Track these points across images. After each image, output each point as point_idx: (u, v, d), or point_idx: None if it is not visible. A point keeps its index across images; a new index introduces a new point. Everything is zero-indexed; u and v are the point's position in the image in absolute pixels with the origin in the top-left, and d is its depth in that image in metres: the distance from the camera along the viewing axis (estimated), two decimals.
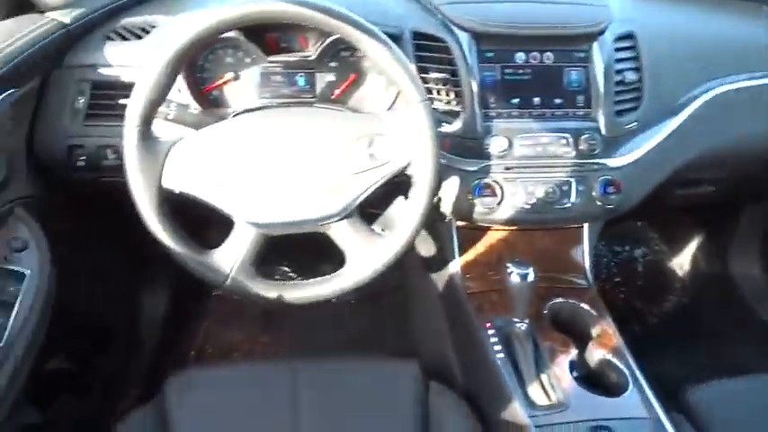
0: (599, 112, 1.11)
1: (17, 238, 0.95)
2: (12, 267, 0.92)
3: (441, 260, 1.27)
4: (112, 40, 1.08)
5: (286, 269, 1.86)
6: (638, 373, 1.00)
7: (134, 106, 0.81)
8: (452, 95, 1.09)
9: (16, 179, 0.99)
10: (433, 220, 1.15)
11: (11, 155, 0.97)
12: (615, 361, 1.02)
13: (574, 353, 1.04)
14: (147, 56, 1.01)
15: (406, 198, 1.21)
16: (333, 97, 1.13)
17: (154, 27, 1.10)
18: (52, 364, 1.25)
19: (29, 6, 1.07)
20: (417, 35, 1.10)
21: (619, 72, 1.13)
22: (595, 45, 1.12)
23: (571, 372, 1.00)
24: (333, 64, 1.11)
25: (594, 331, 1.10)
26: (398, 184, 1.14)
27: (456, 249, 1.21)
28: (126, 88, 1.04)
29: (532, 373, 0.99)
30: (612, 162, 1.11)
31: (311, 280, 0.93)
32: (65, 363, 1.29)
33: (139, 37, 1.08)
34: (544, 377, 0.99)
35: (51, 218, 1.02)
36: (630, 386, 0.98)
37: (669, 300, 1.88)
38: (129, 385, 1.49)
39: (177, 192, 0.86)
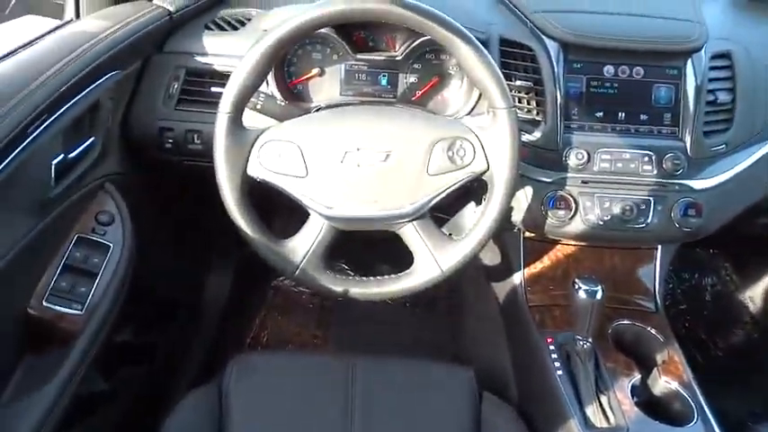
0: (686, 132, 1.08)
1: (105, 211, 1.00)
2: (98, 239, 0.97)
3: (504, 270, 1.26)
4: (211, 29, 1.13)
5: (344, 266, 1.88)
6: (704, 405, 0.96)
7: (228, 93, 0.84)
8: (534, 104, 1.09)
9: (109, 156, 1.04)
10: (501, 229, 1.14)
11: (107, 133, 1.02)
12: (681, 390, 0.98)
13: (636, 377, 1.01)
14: (242, 47, 1.05)
15: (478, 204, 1.21)
16: (413, 99, 1.14)
17: (249, 19, 1.14)
18: (118, 335, 1.30)
19: None
20: (504, 41, 1.10)
21: (711, 92, 1.10)
22: (689, 62, 1.09)
23: (632, 396, 0.97)
24: (416, 66, 1.12)
25: (660, 357, 1.06)
26: (469, 190, 1.14)
27: (522, 260, 1.20)
28: (218, 77, 1.09)
29: (592, 393, 0.96)
30: (696, 184, 1.08)
31: (378, 278, 0.94)
32: (129, 335, 1.34)
33: (236, 28, 1.13)
34: (604, 399, 0.96)
35: (134, 195, 1.07)
36: (696, 418, 0.94)
37: (736, 333, 1.80)
38: (187, 364, 1.54)
39: (259, 180, 0.88)
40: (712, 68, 1.11)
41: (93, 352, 0.92)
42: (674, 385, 0.99)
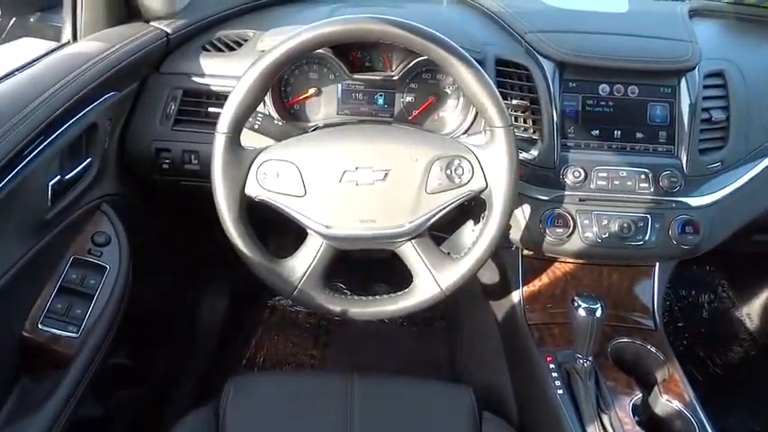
0: (682, 150, 1.09)
1: (101, 232, 1.00)
2: (94, 260, 0.97)
3: (502, 288, 1.25)
4: (208, 50, 1.14)
5: (342, 285, 1.88)
6: (706, 423, 0.96)
7: (226, 114, 0.84)
8: (531, 123, 1.10)
9: (106, 177, 1.04)
10: (499, 248, 1.14)
11: (104, 154, 1.02)
12: (682, 408, 0.98)
13: (637, 395, 1.00)
14: (239, 67, 1.05)
15: (476, 223, 1.21)
16: (410, 118, 1.14)
17: (246, 40, 1.15)
18: (113, 357, 1.29)
19: (136, 15, 1.14)
20: (500, 61, 1.11)
21: (705, 110, 1.11)
22: (683, 81, 1.10)
23: (634, 415, 0.96)
24: (413, 85, 1.13)
25: (660, 375, 1.06)
26: (467, 209, 1.14)
27: (520, 279, 1.20)
28: (215, 97, 1.10)
29: (593, 412, 0.95)
30: (693, 201, 1.08)
31: (377, 297, 0.94)
32: (125, 357, 1.33)
33: (232, 49, 1.14)
34: (605, 418, 0.96)
35: (131, 216, 1.07)
36: None
37: (735, 350, 1.80)
38: (184, 385, 1.52)
39: (257, 199, 0.88)
40: (706, 87, 1.12)
41: (89, 375, 0.91)
42: (675, 404, 0.98)
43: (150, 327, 1.42)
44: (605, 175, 1.07)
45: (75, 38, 1.07)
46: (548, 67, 1.09)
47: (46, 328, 0.88)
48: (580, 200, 1.07)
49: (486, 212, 0.91)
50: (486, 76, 0.86)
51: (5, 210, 0.77)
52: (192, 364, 1.58)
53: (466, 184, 0.89)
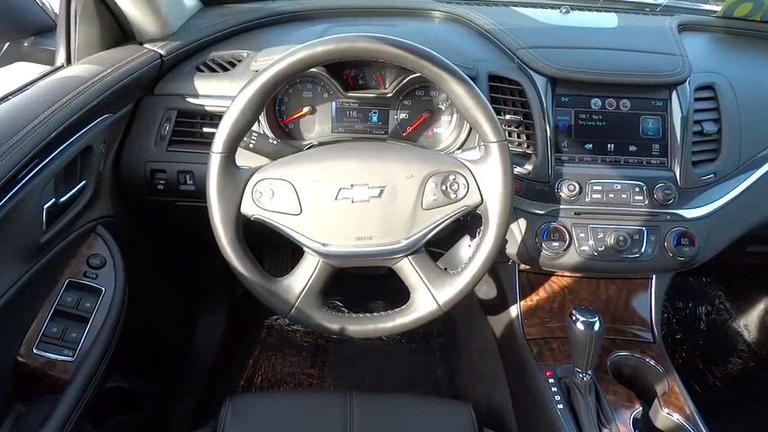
0: (675, 162, 1.10)
1: (97, 255, 0.99)
2: (90, 283, 0.96)
3: (500, 303, 1.25)
4: (201, 71, 1.14)
5: (339, 303, 1.87)
6: None
7: (221, 133, 0.84)
8: (524, 138, 1.10)
9: (101, 199, 1.04)
10: (496, 262, 1.14)
11: (99, 176, 1.02)
12: (683, 422, 0.97)
13: (638, 409, 0.99)
14: (233, 87, 1.06)
15: (472, 238, 1.22)
16: (404, 134, 1.15)
17: (240, 60, 1.16)
18: (110, 381, 1.28)
19: (130, 38, 1.15)
20: (493, 77, 1.12)
21: (697, 123, 1.12)
22: (674, 94, 1.12)
23: (634, 429, 0.96)
24: (407, 102, 1.14)
25: (660, 388, 1.05)
26: (464, 224, 1.15)
27: (517, 293, 1.20)
28: (209, 117, 1.10)
29: (594, 427, 0.95)
30: (687, 213, 1.08)
31: (375, 314, 0.93)
32: (121, 380, 1.31)
33: (226, 69, 1.14)
34: None
35: (126, 237, 1.06)
36: None
37: (733, 362, 1.80)
38: (181, 407, 1.50)
39: (253, 218, 0.88)
40: (697, 100, 1.13)
41: (86, 399, 0.89)
42: (676, 417, 0.98)
43: (147, 349, 1.41)
44: (600, 188, 1.08)
45: (69, 61, 1.08)
46: (540, 82, 1.10)
47: (41, 353, 0.87)
48: (575, 213, 1.08)
49: (483, 227, 0.91)
50: (480, 91, 0.86)
51: (0, 233, 0.77)
52: (190, 385, 1.57)
53: (461, 199, 0.89)
